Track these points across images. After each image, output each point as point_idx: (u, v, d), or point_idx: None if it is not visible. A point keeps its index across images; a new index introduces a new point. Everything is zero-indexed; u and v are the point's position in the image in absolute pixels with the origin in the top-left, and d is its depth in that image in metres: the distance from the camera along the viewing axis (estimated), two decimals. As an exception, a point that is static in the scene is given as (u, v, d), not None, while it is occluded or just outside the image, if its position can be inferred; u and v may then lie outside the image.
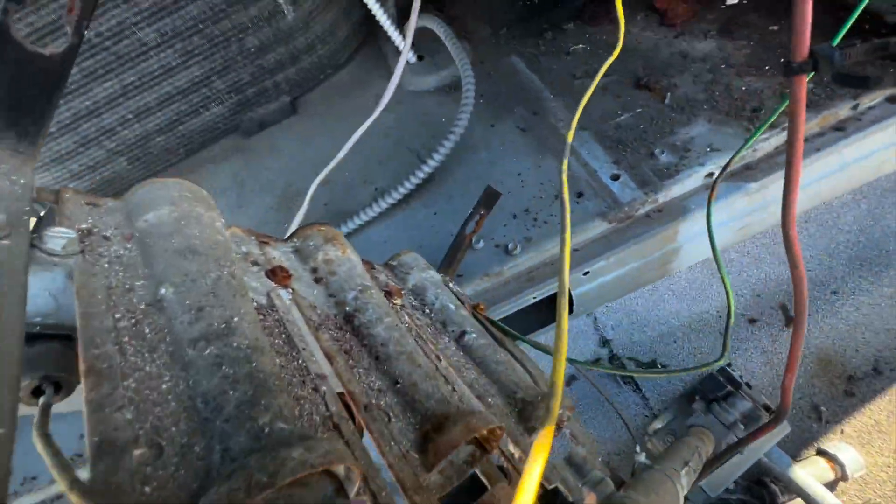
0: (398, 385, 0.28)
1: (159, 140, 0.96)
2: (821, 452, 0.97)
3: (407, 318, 0.40)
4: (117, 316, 0.21)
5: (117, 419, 0.17)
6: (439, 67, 0.93)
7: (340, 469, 0.20)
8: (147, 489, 0.16)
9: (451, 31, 0.84)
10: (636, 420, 1.04)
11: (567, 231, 0.26)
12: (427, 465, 0.24)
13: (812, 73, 0.28)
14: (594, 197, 0.72)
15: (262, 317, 0.27)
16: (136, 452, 0.16)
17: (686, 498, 0.99)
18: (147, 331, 0.21)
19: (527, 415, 0.34)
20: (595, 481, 0.32)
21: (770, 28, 0.74)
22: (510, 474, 0.31)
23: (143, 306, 0.22)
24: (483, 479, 0.33)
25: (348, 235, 0.81)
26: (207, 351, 0.20)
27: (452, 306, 0.41)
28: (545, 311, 0.79)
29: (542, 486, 0.31)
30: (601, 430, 1.07)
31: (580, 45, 0.86)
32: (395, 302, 0.41)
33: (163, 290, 0.23)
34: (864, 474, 0.97)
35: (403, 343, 0.31)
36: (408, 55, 0.71)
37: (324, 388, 0.25)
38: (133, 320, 0.21)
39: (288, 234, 0.40)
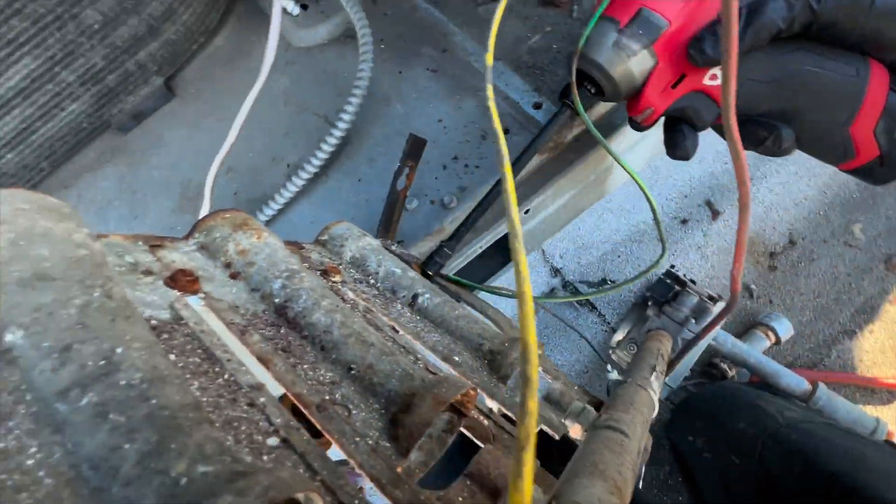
0: (353, 371, 0.25)
1: (10, 157, 0.80)
2: (756, 325, 1.08)
3: (351, 294, 0.36)
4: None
5: None
6: (328, 15, 0.83)
7: (300, 495, 0.16)
8: None
9: (331, -32, 0.74)
10: (598, 337, 1.09)
11: (506, 164, 0.23)
12: (402, 452, 0.22)
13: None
14: (521, 131, 0.69)
15: (165, 335, 0.22)
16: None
17: None
18: None
19: (497, 364, 0.33)
20: (577, 412, 0.32)
21: None
22: (491, 430, 0.30)
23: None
24: (471, 436, 0.31)
25: (268, 223, 0.73)
26: (84, 401, 0.16)
27: (398, 270, 0.38)
28: (496, 257, 0.77)
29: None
30: (567, 356, 1.12)
31: (476, -33, 0.80)
32: (333, 280, 0.36)
33: (9, 337, 0.17)
34: (792, 335, 1.09)
35: (349, 324, 0.27)
36: (283, 2, 0.62)
37: (262, 399, 0.21)
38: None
39: (188, 231, 0.34)
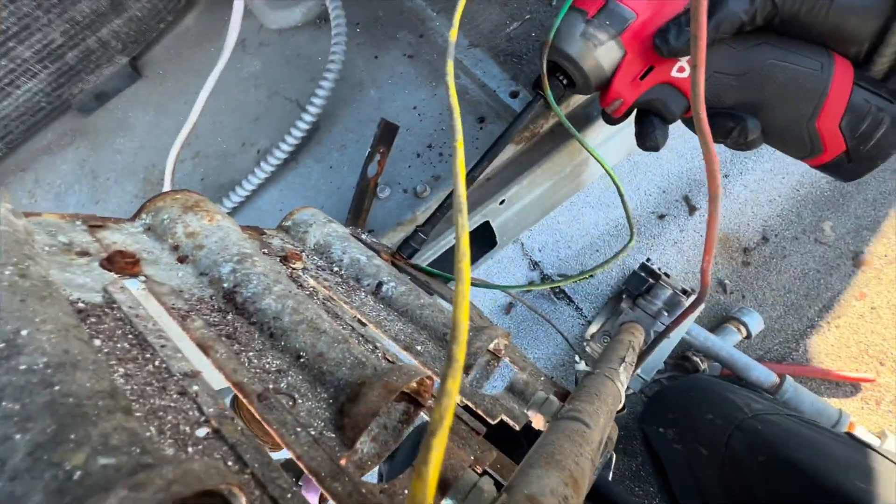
0: (301, 359, 0.24)
1: (-40, 136, 0.76)
2: (728, 319, 1.10)
3: (312, 281, 0.35)
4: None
5: None
6: (302, -3, 0.81)
7: (223, 488, 0.15)
8: None
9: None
10: (574, 330, 1.09)
11: (459, 138, 0.22)
12: (347, 443, 0.21)
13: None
14: (497, 119, 0.68)
15: (93, 319, 0.21)
16: None
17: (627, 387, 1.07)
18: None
19: (472, 359, 0.32)
20: (540, 402, 0.31)
21: None
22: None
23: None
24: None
25: (235, 209, 0.71)
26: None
27: (363, 258, 0.36)
28: (472, 248, 0.76)
29: (485, 422, 0.29)
30: (544, 349, 1.12)
31: (454, -49, 0.78)
32: (293, 267, 0.35)
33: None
34: (763, 329, 1.11)
35: (301, 311, 0.25)
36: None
37: (195, 387, 0.19)
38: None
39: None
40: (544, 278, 1.13)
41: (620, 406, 0.41)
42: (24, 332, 0.16)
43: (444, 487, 0.23)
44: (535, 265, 1.14)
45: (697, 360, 0.97)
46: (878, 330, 1.08)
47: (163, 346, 0.21)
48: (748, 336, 1.08)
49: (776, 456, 0.68)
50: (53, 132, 0.86)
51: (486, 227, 0.71)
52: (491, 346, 0.34)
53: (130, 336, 0.21)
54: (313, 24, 0.82)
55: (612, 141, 0.75)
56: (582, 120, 0.68)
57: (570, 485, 0.24)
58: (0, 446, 0.13)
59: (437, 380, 0.26)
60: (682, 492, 0.78)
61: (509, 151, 0.66)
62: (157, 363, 0.20)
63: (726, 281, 1.18)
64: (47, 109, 0.83)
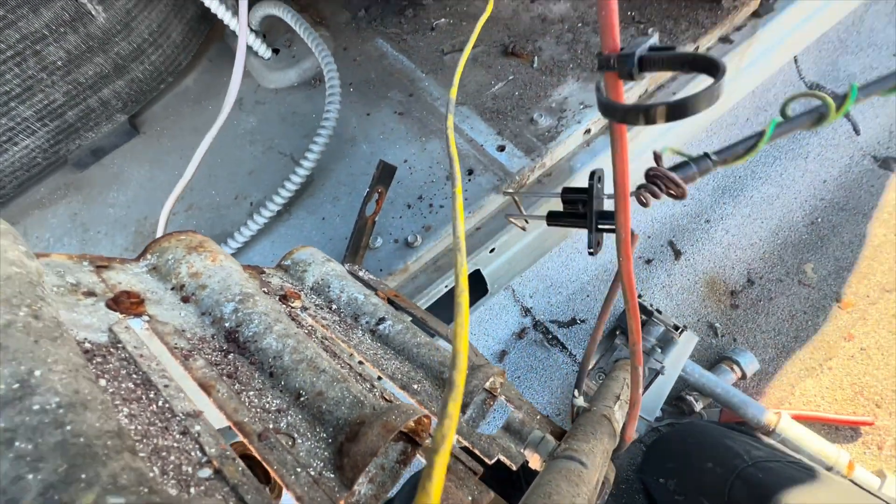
0: (301, 398, 0.24)
1: (-48, 191, 0.77)
2: (722, 360, 1.11)
3: (310, 320, 0.35)
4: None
5: None
6: (298, 59, 0.86)
7: None
8: None
9: (301, 16, 0.78)
10: (569, 378, 1.09)
11: (458, 185, 0.24)
12: (347, 483, 0.21)
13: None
14: (485, 172, 0.72)
15: (99, 359, 0.21)
16: None
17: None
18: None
19: (469, 397, 0.32)
20: (536, 441, 0.31)
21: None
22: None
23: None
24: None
25: (229, 257, 0.72)
26: None
27: (361, 296, 0.38)
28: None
29: (483, 462, 0.29)
30: (539, 397, 1.11)
31: (442, 20, 0.86)
32: (292, 305, 0.36)
33: None
34: (758, 370, 1.12)
35: (301, 349, 0.26)
36: (246, 36, 0.64)
37: (196, 428, 0.20)
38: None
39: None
40: (536, 324, 1.13)
41: (616, 445, 0.41)
42: (37, 373, 0.16)
43: (445, 528, 0.22)
44: (526, 311, 1.15)
45: (692, 399, 0.96)
46: (870, 371, 1.09)
47: (166, 386, 0.21)
48: (743, 376, 1.08)
49: None
50: (46, 186, 0.88)
51: (477, 275, 0.72)
52: (487, 385, 0.35)
53: (135, 376, 0.21)
54: (308, 84, 0.87)
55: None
56: (566, 172, 0.72)
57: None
58: (13, 486, 0.13)
59: (434, 419, 0.27)
60: (688, 547, 0.75)
61: (497, 202, 0.69)
62: (160, 403, 0.20)
63: (717, 324, 1.20)
64: (42, 165, 0.85)
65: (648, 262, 1.23)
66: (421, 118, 0.78)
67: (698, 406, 1.00)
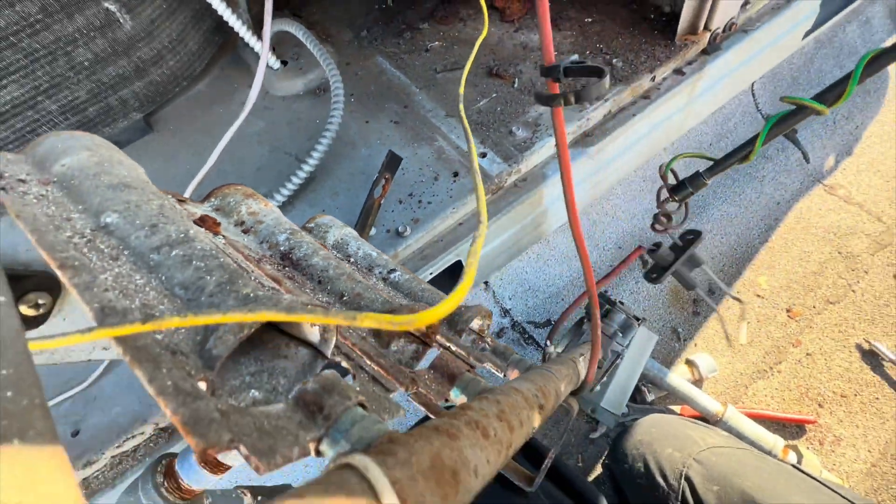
0: (344, 298, 0.33)
1: (-28, 174, 0.83)
2: (686, 362, 1.22)
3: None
4: (68, 234, 0.22)
5: (108, 296, 0.19)
6: (305, 71, 0.97)
7: (316, 332, 0.24)
8: (158, 336, 0.18)
9: (311, 33, 0.89)
10: (544, 373, 1.17)
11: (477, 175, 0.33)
12: (383, 345, 0.29)
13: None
14: (468, 175, 0.83)
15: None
16: (135, 318, 0.19)
17: (597, 420, 1.14)
18: (103, 247, 0.23)
19: (454, 322, 0.41)
20: (516, 361, 0.40)
21: (586, 20, 0.94)
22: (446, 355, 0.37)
23: (88, 231, 0.23)
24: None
25: (239, 240, 0.80)
26: (173, 253, 0.23)
27: (374, 253, 0.46)
28: (445, 285, 0.87)
29: (471, 366, 0.37)
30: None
31: (436, 42, 0.98)
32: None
33: (106, 219, 0.24)
34: (716, 374, 1.23)
35: (342, 267, 0.35)
36: (268, 52, 0.74)
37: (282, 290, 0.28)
38: (85, 239, 0.22)
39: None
40: (514, 324, 1.23)
41: (577, 386, 0.51)
42: (191, 232, 0.25)
43: (451, 379, 0.31)
44: (505, 312, 1.24)
45: (646, 390, 1.07)
46: (814, 374, 1.22)
47: (252, 272, 0.30)
48: (700, 379, 1.19)
49: (729, 485, 0.77)
50: (57, 177, 0.94)
51: (458, 265, 0.82)
52: (477, 324, 0.44)
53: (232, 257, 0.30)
54: (313, 93, 0.98)
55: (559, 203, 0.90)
56: (539, 178, 0.83)
57: (540, 394, 0.33)
58: (198, 282, 0.22)
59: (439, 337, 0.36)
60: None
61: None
62: (253, 279, 0.29)
63: (679, 329, 1.32)
64: (56, 156, 0.92)
65: (619, 271, 1.35)
66: (414, 127, 0.89)
67: (650, 396, 1.10)
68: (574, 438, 1.24)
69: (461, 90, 0.45)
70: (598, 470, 1.18)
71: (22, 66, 0.80)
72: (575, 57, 0.31)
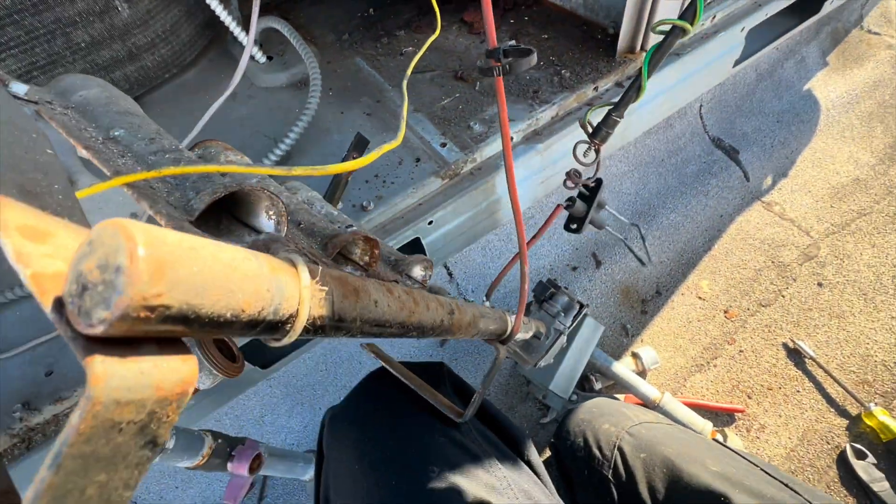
0: (301, 226, 0.41)
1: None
2: (632, 355, 1.32)
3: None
4: (87, 135, 0.30)
5: (119, 162, 0.27)
6: (288, 66, 1.06)
7: (272, 224, 0.32)
8: (157, 187, 0.26)
9: (297, 32, 0.98)
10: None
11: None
12: (328, 256, 0.38)
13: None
14: (429, 160, 0.92)
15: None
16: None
17: (548, 406, 1.22)
18: (113, 148, 0.30)
19: (397, 264, 0.50)
20: (436, 289, 0.49)
21: (543, 36, 1.06)
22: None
23: (101, 139, 0.31)
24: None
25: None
26: (167, 156, 0.31)
27: (335, 213, 0.55)
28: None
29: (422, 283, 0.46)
30: (474, 378, 1.27)
31: (410, 48, 1.09)
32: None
33: (115, 133, 0.32)
34: (658, 366, 1.34)
35: (302, 205, 0.43)
36: (253, 44, 0.83)
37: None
38: (99, 140, 0.30)
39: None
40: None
41: (505, 334, 0.60)
42: (181, 147, 0.33)
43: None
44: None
45: (594, 378, 1.15)
46: (745, 369, 1.33)
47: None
48: (644, 370, 1.29)
49: (654, 453, 0.86)
50: (45, 150, 1.00)
51: (416, 242, 0.90)
52: (420, 273, 0.53)
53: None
54: (295, 86, 1.07)
55: (521, 186, 1.00)
56: (492, 168, 0.93)
57: (454, 306, 0.42)
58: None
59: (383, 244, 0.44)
60: (582, 494, 0.91)
61: (436, 184, 0.88)
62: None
63: (628, 325, 1.42)
64: (46, 130, 0.98)
65: (574, 268, 1.46)
66: (384, 119, 0.99)
67: (598, 385, 1.19)
68: (527, 424, 1.33)
69: (409, 71, 0.54)
70: (549, 453, 1.26)
71: (22, 42, 0.87)
72: (512, 42, 0.40)
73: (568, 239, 1.51)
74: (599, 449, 0.93)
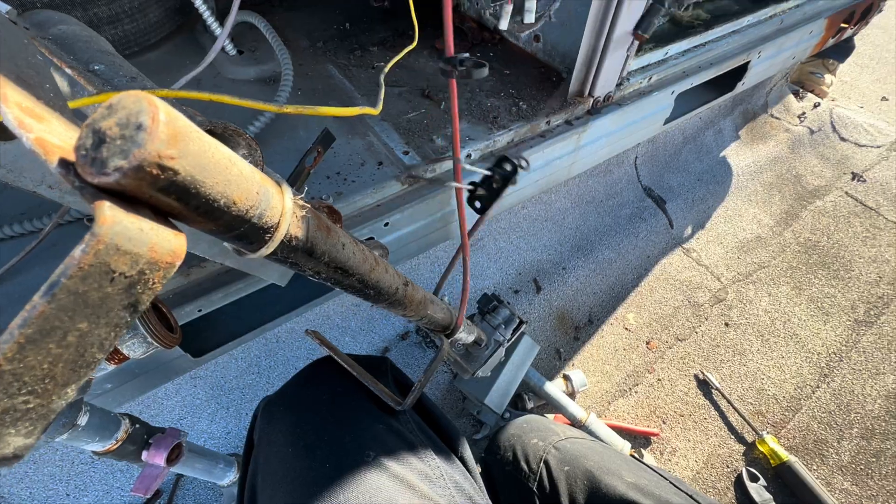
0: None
1: None
2: (563, 377, 1.37)
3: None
4: (67, 62, 0.30)
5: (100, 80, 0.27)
6: (259, 62, 1.06)
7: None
8: None
9: (273, 28, 1.00)
10: (443, 377, 1.27)
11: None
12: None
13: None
14: (391, 165, 0.94)
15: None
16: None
17: (482, 422, 1.24)
18: (93, 78, 0.31)
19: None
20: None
21: (505, 71, 1.14)
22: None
23: (81, 68, 0.31)
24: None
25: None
26: (146, 84, 0.32)
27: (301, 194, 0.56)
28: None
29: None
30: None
31: (382, 63, 1.13)
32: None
33: (94, 67, 0.32)
34: (586, 389, 1.40)
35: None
36: (227, 35, 0.83)
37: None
38: (81, 66, 0.30)
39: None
40: (418, 329, 1.32)
41: (450, 327, 0.62)
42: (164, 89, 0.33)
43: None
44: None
45: (527, 397, 1.19)
46: (661, 396, 1.43)
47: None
48: (573, 392, 1.35)
49: (577, 466, 0.90)
50: None
51: (370, 240, 0.92)
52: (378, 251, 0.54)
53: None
54: (263, 82, 1.07)
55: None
56: (451, 178, 0.97)
57: (409, 283, 0.44)
58: None
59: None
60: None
61: (396, 188, 0.91)
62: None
63: (561, 350, 1.49)
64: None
65: (516, 292, 1.52)
66: (351, 123, 1.01)
67: (530, 404, 1.23)
68: (458, 440, 1.33)
69: (387, 68, 0.58)
70: (479, 468, 1.27)
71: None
72: (467, 54, 0.44)
73: (512, 263, 1.57)
74: (527, 462, 0.95)
